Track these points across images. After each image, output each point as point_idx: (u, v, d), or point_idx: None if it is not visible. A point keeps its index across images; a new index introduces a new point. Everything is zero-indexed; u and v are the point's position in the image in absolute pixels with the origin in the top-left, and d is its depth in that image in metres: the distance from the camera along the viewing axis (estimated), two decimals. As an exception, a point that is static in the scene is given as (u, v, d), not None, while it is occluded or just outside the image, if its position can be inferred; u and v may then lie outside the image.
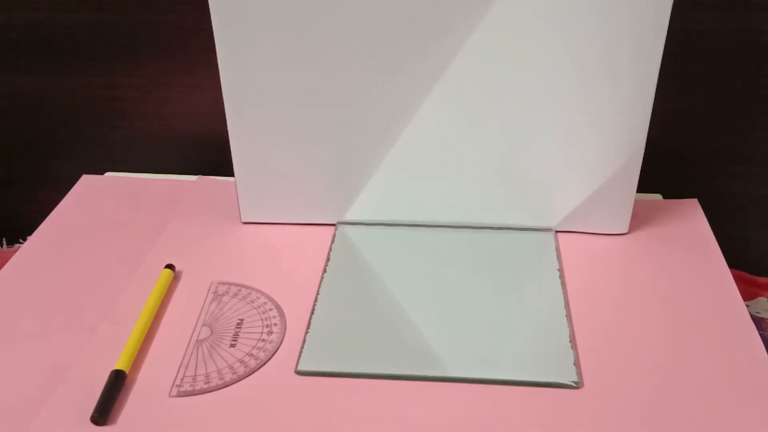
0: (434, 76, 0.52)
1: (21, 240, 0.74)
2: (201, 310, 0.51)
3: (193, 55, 0.68)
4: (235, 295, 0.52)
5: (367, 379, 0.46)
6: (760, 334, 0.49)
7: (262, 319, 0.50)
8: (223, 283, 0.53)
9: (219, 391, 0.45)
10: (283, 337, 0.49)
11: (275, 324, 0.50)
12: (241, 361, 0.47)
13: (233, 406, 0.44)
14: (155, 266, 0.54)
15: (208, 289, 0.53)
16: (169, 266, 0.54)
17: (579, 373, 0.46)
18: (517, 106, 0.53)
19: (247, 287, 0.53)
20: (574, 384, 0.45)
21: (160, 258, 0.56)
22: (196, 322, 0.50)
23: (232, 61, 0.52)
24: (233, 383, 0.45)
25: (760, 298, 0.68)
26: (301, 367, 0.46)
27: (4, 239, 0.76)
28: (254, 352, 0.48)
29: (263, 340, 0.48)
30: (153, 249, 0.57)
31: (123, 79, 0.70)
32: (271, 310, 0.51)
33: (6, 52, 0.69)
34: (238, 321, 0.50)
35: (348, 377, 0.46)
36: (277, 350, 0.48)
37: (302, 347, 0.48)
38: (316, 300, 0.52)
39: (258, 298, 0.52)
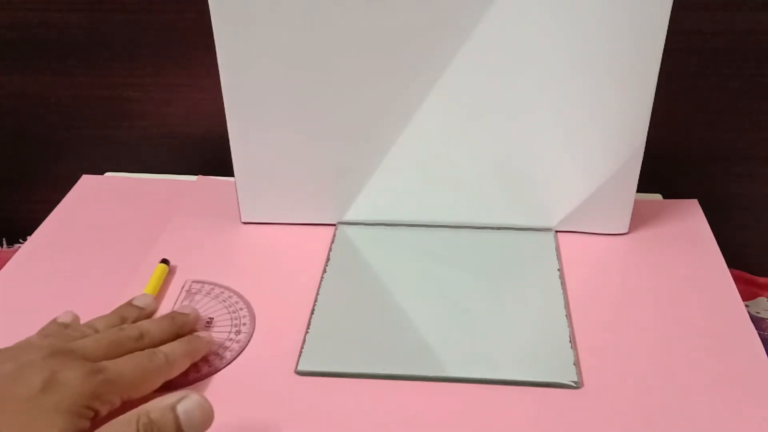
0: (434, 76, 0.52)
1: (21, 240, 0.74)
2: (174, 306, 0.51)
3: (193, 55, 0.68)
4: (207, 293, 0.53)
5: (366, 379, 0.46)
6: (760, 334, 0.49)
7: (231, 318, 0.50)
8: (197, 282, 0.54)
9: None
10: (251, 338, 0.49)
11: (244, 324, 0.50)
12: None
13: (233, 405, 0.44)
14: (155, 266, 0.54)
15: (182, 288, 0.53)
16: (164, 261, 0.54)
17: (579, 373, 0.46)
18: (517, 107, 0.53)
19: (220, 286, 0.53)
20: (574, 384, 0.45)
21: (159, 258, 0.55)
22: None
23: (232, 61, 0.52)
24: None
25: (760, 298, 0.68)
26: (301, 367, 0.46)
27: (4, 239, 0.76)
28: (220, 351, 0.48)
29: (230, 339, 0.49)
30: (153, 249, 0.57)
31: (123, 79, 0.70)
32: (242, 309, 0.51)
33: (6, 52, 0.69)
34: (208, 320, 0.50)
35: (348, 377, 0.46)
36: (243, 350, 0.48)
37: (302, 347, 0.48)
38: (316, 300, 0.52)
39: (230, 297, 0.52)
